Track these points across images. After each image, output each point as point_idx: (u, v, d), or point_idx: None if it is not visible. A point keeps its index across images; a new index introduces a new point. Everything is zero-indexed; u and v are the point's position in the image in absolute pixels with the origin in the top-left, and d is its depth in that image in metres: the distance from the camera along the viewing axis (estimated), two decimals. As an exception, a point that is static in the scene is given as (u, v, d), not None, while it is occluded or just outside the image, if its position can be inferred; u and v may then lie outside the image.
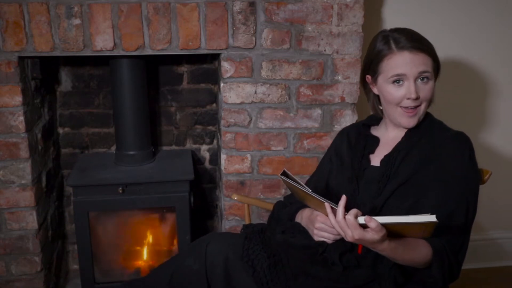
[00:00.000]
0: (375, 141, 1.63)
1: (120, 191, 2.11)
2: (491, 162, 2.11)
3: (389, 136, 1.61)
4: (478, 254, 2.55)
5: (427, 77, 1.49)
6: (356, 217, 1.30)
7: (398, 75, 1.49)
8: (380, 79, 1.55)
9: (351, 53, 2.03)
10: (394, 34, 1.52)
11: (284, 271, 1.50)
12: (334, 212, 1.33)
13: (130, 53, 1.96)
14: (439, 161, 1.48)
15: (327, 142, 2.11)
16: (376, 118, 1.69)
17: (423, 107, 1.52)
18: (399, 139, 1.57)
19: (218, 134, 2.32)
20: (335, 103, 2.09)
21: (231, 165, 2.13)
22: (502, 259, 2.64)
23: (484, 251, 2.60)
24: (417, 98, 1.49)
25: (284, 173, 1.47)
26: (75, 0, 1.86)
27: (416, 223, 1.27)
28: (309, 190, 1.41)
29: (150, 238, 2.34)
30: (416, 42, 1.49)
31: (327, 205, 1.35)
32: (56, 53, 1.92)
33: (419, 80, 1.49)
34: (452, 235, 1.43)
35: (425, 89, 1.50)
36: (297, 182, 1.44)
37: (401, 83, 1.50)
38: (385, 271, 1.42)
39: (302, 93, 2.07)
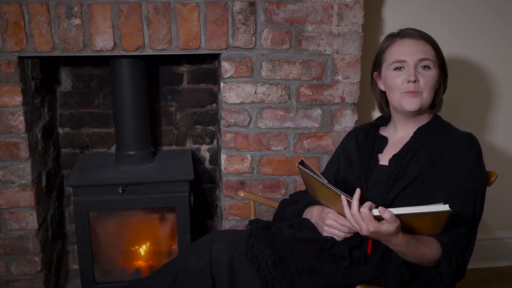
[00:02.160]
0: (384, 140, 1.65)
1: (120, 191, 2.11)
2: (496, 163, 2.11)
3: (397, 136, 1.63)
4: (484, 254, 2.55)
5: (428, 66, 1.53)
6: (370, 209, 1.31)
7: (398, 61, 1.54)
8: (384, 69, 1.60)
9: (351, 53, 2.03)
10: (399, 31, 1.60)
11: (289, 268, 1.51)
12: (349, 205, 1.34)
13: (130, 53, 1.96)
14: (447, 161, 1.49)
15: (327, 142, 2.11)
16: (385, 119, 1.71)
17: (425, 95, 1.54)
18: (407, 139, 1.58)
19: (218, 134, 2.32)
20: (335, 103, 2.09)
21: (231, 165, 2.13)
22: (507, 259, 2.64)
23: (490, 250, 2.59)
24: (416, 81, 1.51)
25: (302, 163, 1.48)
26: (75, 0, 1.87)
27: (430, 213, 1.27)
28: (325, 181, 1.42)
29: (150, 238, 2.34)
30: (418, 31, 1.56)
31: (343, 197, 1.35)
32: (56, 53, 1.92)
33: (420, 68, 1.53)
34: (459, 233, 1.44)
35: (426, 75, 1.53)
36: (314, 173, 1.44)
37: (402, 70, 1.54)
38: (392, 268, 1.43)
39: (302, 93, 2.07)
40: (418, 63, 1.52)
